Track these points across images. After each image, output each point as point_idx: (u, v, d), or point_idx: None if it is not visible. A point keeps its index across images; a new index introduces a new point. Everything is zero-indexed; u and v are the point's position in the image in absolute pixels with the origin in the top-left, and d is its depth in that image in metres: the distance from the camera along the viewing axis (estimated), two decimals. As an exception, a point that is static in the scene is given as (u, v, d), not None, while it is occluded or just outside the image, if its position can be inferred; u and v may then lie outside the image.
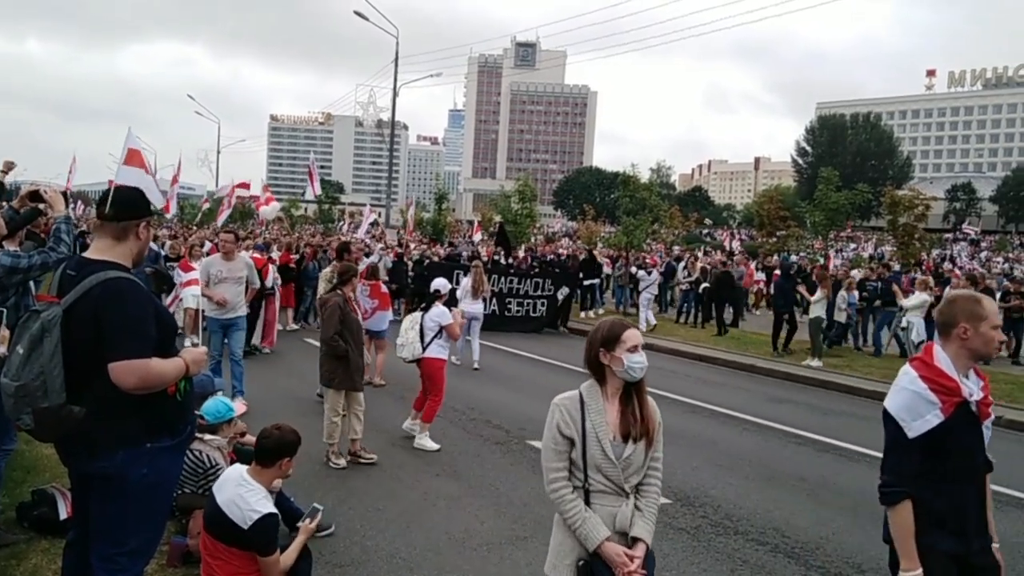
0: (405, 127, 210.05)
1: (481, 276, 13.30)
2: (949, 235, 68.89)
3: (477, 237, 30.41)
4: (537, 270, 20.25)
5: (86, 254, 3.19)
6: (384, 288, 11.07)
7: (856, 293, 16.40)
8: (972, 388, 2.97)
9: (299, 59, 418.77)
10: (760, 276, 25.58)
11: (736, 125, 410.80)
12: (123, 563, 3.08)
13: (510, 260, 22.02)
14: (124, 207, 3.19)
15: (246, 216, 44.65)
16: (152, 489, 3.08)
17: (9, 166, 5.66)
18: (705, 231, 77.93)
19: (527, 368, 13.41)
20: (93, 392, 2.94)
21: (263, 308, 12.45)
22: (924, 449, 2.90)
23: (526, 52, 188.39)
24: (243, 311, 9.03)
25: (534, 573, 5.07)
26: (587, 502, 2.88)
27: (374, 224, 28.84)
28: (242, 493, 3.85)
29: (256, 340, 12.33)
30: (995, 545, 3.19)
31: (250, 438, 5.35)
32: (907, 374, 3.03)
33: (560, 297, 18.49)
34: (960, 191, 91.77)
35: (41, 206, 4.83)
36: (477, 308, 12.80)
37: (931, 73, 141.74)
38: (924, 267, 29.72)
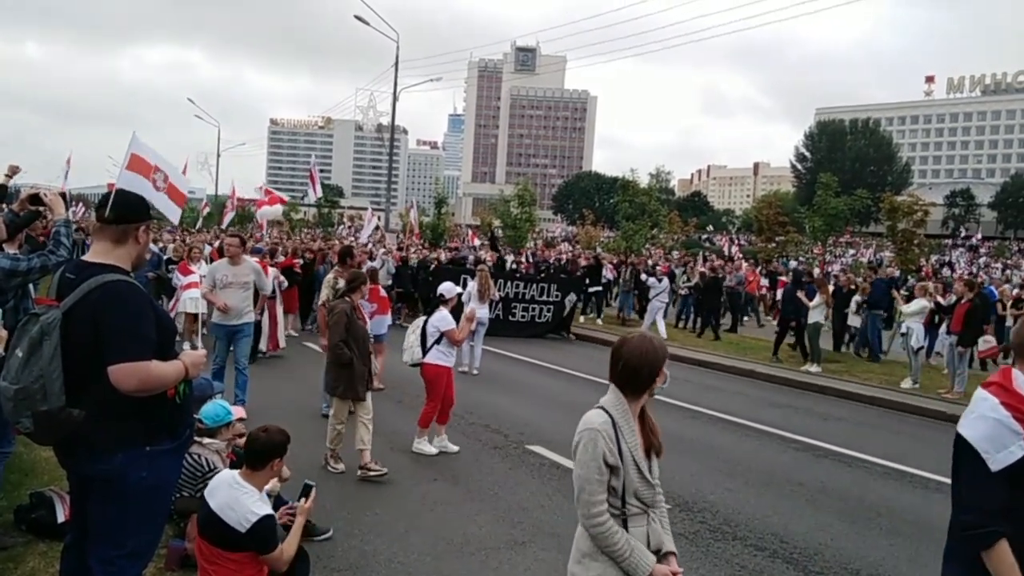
0: (405, 131, 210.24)
1: (487, 280, 13.18)
2: (948, 241, 68.99)
3: (475, 243, 30.47)
4: (543, 275, 20.08)
5: (85, 257, 3.19)
6: (383, 292, 11.06)
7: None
8: None
9: (299, 63, 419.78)
10: (764, 282, 25.51)
11: (735, 130, 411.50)
12: (122, 565, 3.08)
13: (514, 264, 22.00)
14: (124, 211, 3.20)
15: (245, 219, 44.67)
16: (151, 492, 3.08)
17: (14, 170, 5.68)
18: (704, 236, 77.96)
19: (526, 373, 13.40)
20: (92, 395, 2.94)
21: (264, 312, 12.38)
22: (1007, 483, 2.62)
23: (526, 57, 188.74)
24: (250, 318, 8.80)
25: (532, 578, 5.08)
26: (624, 528, 2.76)
27: (375, 228, 28.83)
28: (236, 496, 3.85)
29: (262, 345, 12.24)
30: None
31: (249, 441, 5.35)
32: (986, 400, 2.74)
33: (567, 304, 18.30)
34: (959, 197, 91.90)
35: (41, 209, 4.84)
36: (483, 313, 12.65)
37: (930, 79, 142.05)
38: (923, 273, 29.74)
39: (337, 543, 5.35)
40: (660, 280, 18.90)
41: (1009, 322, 16.90)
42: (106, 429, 2.96)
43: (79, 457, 3.06)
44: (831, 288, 16.51)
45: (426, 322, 7.90)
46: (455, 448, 7.77)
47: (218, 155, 68.15)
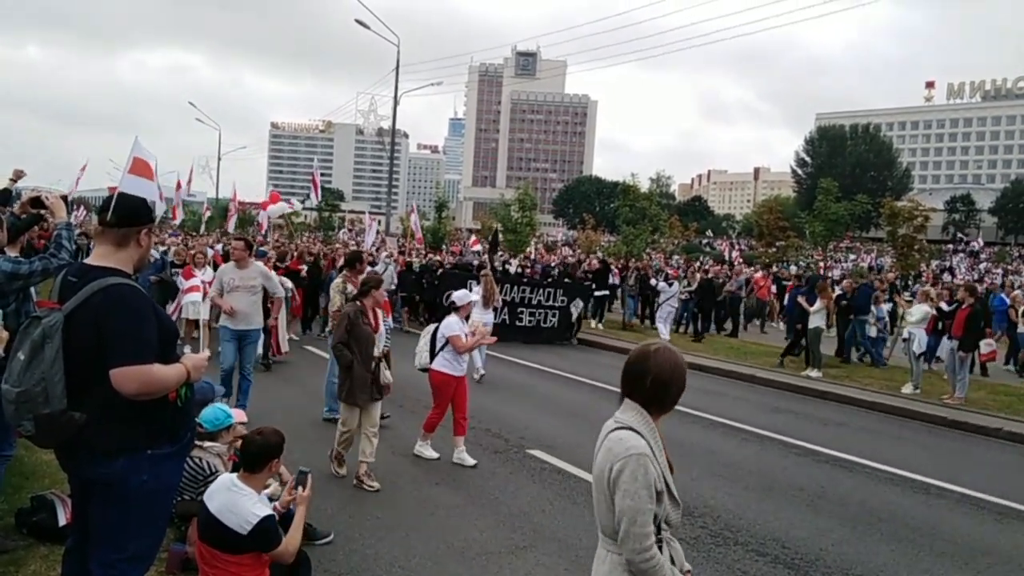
0: (405, 135, 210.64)
1: (492, 285, 13.06)
2: (949, 246, 68.98)
3: (477, 248, 30.42)
4: (550, 279, 19.96)
5: (87, 260, 3.20)
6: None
7: (884, 307, 16.13)
8: None
9: (300, 67, 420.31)
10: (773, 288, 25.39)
11: (735, 135, 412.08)
12: (123, 569, 3.07)
13: (519, 269, 21.90)
14: (126, 214, 3.20)
15: (247, 223, 44.72)
16: (152, 495, 3.08)
17: (19, 175, 5.70)
18: (705, 241, 77.99)
19: (526, 377, 13.39)
20: (94, 398, 2.94)
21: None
22: None
23: (526, 61, 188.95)
24: (258, 324, 8.71)
25: (533, 583, 5.07)
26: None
27: (376, 233, 28.86)
28: (235, 499, 3.85)
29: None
30: None
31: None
32: None
33: (574, 311, 18.12)
34: (959, 202, 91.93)
35: (43, 212, 4.85)
36: (488, 318, 12.44)
37: (930, 85, 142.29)
38: (924, 278, 29.75)
39: (338, 547, 5.34)
40: (671, 284, 18.68)
41: (1022, 328, 16.89)
42: (107, 432, 2.96)
43: (80, 460, 3.06)
44: (835, 294, 16.49)
45: (437, 327, 7.81)
46: (472, 461, 7.57)
47: (219, 158, 68.21)
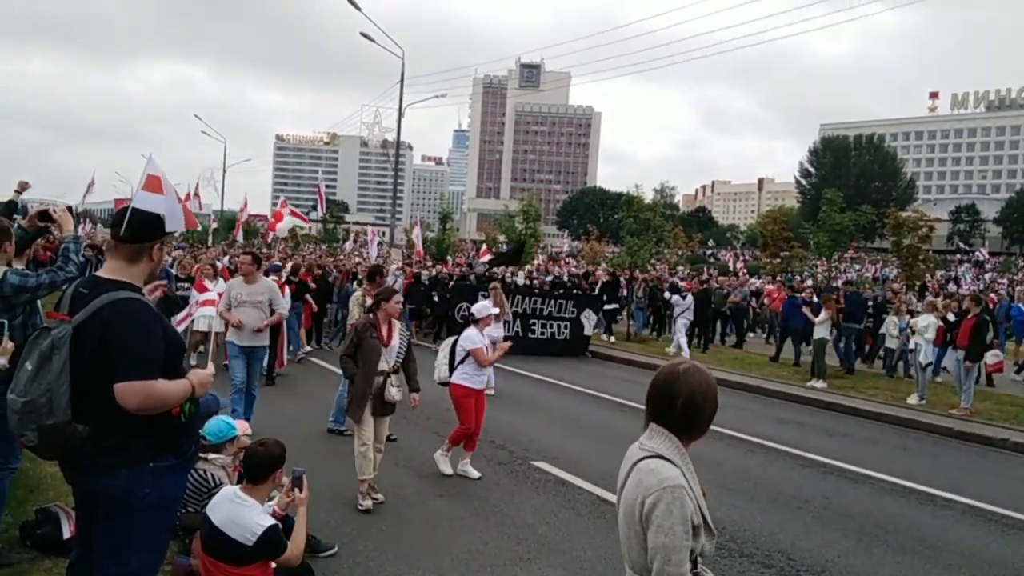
0: (410, 147, 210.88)
1: (501, 299, 12.90)
2: (956, 256, 68.85)
3: (486, 259, 30.47)
4: (562, 291, 19.84)
5: (99, 273, 3.22)
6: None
7: (907, 318, 16.10)
8: None
9: (305, 80, 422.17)
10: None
11: (739, 146, 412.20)
12: (127, 582, 3.07)
13: (527, 281, 21.82)
14: (140, 230, 3.21)
15: (251, 235, 44.87)
16: (155, 508, 3.08)
17: (23, 186, 5.75)
18: (709, 252, 77.96)
19: (530, 388, 13.36)
20: (98, 411, 2.94)
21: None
22: None
23: (530, 73, 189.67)
24: (264, 340, 8.60)
25: (538, 595, 5.06)
26: None
27: (379, 245, 28.94)
28: (239, 511, 3.85)
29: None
30: None
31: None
32: None
33: (585, 322, 17.94)
34: (964, 213, 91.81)
35: (50, 225, 4.88)
36: (497, 331, 11.98)
37: (934, 95, 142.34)
38: (930, 288, 29.66)
39: (342, 559, 5.33)
40: (685, 297, 18.41)
41: None
42: (110, 445, 2.97)
43: (83, 473, 3.07)
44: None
45: (456, 341, 7.71)
46: (476, 474, 7.54)
47: (224, 171, 68.38)
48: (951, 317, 13.97)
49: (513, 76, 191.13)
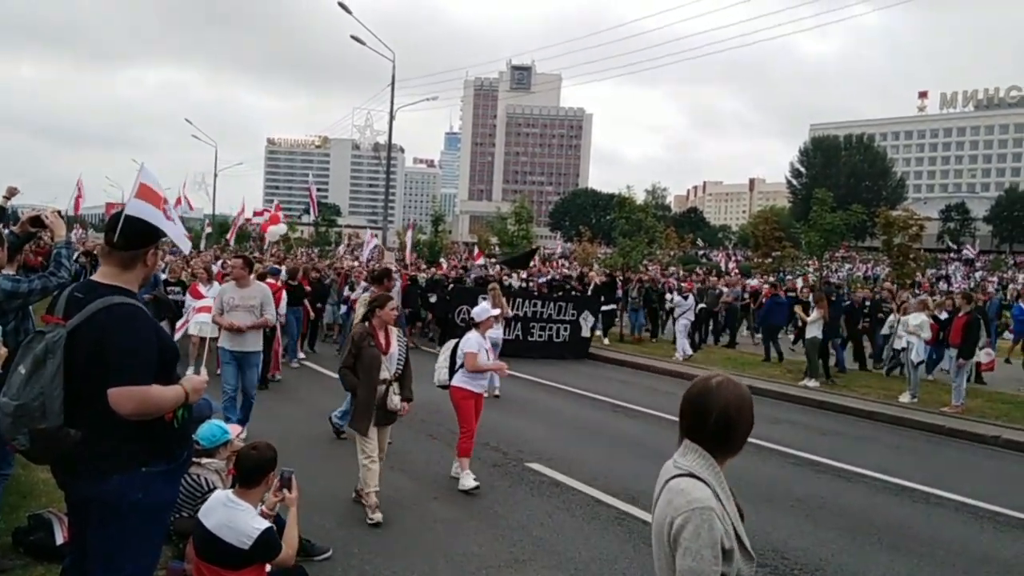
0: (401, 150, 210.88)
1: (500, 300, 12.85)
2: (944, 255, 69.21)
3: (480, 262, 30.45)
4: (561, 293, 19.76)
5: (94, 278, 3.22)
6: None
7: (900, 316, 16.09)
8: None
9: (295, 83, 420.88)
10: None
11: (730, 146, 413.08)
12: (120, 587, 3.07)
13: (522, 283, 21.79)
14: (134, 237, 3.20)
15: (243, 238, 44.75)
16: (148, 514, 3.08)
17: (12, 192, 5.73)
18: (701, 252, 78.16)
19: (523, 390, 13.35)
20: (90, 416, 2.94)
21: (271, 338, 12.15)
22: None
23: (521, 75, 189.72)
24: (257, 346, 8.47)
25: (533, 596, 5.07)
26: None
27: (374, 247, 28.91)
28: (233, 515, 3.85)
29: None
30: None
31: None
32: None
33: (583, 324, 17.88)
34: (954, 211, 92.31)
35: (42, 232, 4.86)
36: (497, 333, 12.06)
37: (923, 95, 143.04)
38: (921, 287, 29.83)
39: (337, 562, 5.33)
40: (686, 298, 18.35)
41: None
42: (103, 450, 2.97)
43: (76, 477, 3.06)
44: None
45: (456, 344, 7.59)
46: (473, 484, 7.23)
47: (215, 175, 68.27)
48: (942, 315, 14.05)
49: (504, 78, 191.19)
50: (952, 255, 69.85)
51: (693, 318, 18.51)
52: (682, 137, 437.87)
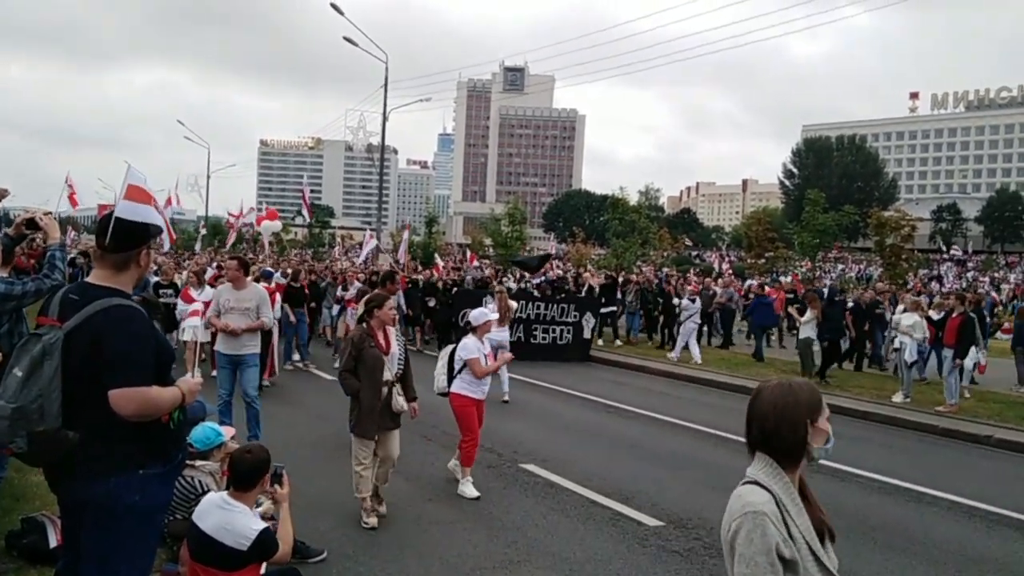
0: (395, 151, 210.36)
1: (506, 302, 12.78)
2: (936, 255, 69.50)
3: (476, 265, 30.44)
4: (563, 295, 19.65)
5: (89, 279, 3.22)
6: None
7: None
8: None
9: (288, 84, 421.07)
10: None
11: (723, 147, 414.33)
12: (115, 590, 3.06)
13: (524, 285, 21.73)
14: (125, 239, 3.20)
15: (239, 241, 44.62)
16: (143, 516, 3.07)
17: (3, 194, 5.70)
18: (695, 254, 78.28)
19: (519, 391, 13.31)
20: (88, 417, 2.94)
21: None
22: None
23: (514, 77, 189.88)
24: (254, 348, 8.30)
25: (528, 597, 5.07)
26: None
27: (375, 249, 28.84)
28: (229, 517, 3.84)
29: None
30: None
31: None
32: None
33: (585, 325, 17.80)
34: (945, 212, 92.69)
35: (36, 234, 4.85)
36: (503, 335, 11.68)
37: (914, 95, 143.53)
38: (914, 287, 29.94)
39: (332, 564, 5.32)
40: (693, 301, 18.07)
41: None
42: (100, 452, 2.97)
43: (73, 480, 3.05)
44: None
45: (454, 350, 7.47)
46: (474, 493, 7.16)
47: (208, 177, 68.03)
48: (934, 315, 14.08)
49: (497, 80, 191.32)
50: (943, 255, 70.14)
51: (700, 320, 18.45)
52: (674, 138, 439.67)
